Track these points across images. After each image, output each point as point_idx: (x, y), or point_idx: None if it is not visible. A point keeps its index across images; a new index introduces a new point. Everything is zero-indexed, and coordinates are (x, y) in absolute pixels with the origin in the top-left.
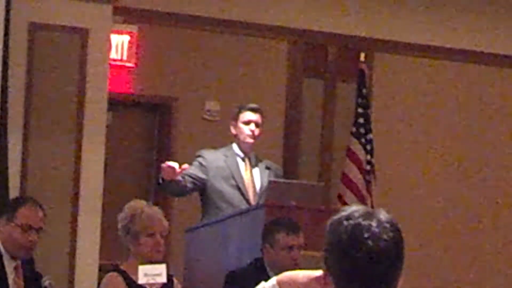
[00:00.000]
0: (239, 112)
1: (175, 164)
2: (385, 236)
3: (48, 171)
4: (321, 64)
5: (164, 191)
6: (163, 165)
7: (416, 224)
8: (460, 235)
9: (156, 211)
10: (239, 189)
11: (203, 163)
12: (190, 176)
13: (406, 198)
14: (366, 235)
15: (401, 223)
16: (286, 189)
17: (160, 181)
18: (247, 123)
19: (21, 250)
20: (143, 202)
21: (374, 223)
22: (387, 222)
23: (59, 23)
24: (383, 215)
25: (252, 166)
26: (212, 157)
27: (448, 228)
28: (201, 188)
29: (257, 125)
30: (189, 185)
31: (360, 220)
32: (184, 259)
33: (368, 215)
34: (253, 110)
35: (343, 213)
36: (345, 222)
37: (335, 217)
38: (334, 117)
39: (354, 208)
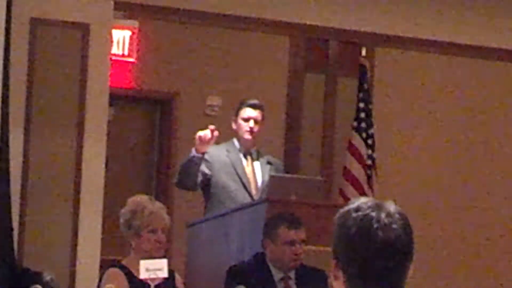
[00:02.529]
0: (240, 108)
1: (206, 131)
2: (395, 226)
3: (49, 166)
4: (322, 58)
5: (185, 175)
6: (199, 134)
7: (417, 218)
8: (462, 228)
9: (159, 207)
10: (242, 184)
11: (207, 158)
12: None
13: (408, 192)
14: (376, 226)
15: None
16: (288, 183)
17: (189, 156)
18: (247, 119)
19: None
20: (146, 197)
21: (383, 214)
22: (397, 213)
23: (60, 18)
24: (392, 206)
25: (253, 161)
26: (215, 152)
27: (450, 222)
28: (206, 182)
29: (256, 121)
30: (199, 178)
31: (369, 211)
32: (186, 254)
33: (377, 207)
34: (253, 106)
35: (351, 206)
36: (354, 214)
37: (343, 210)
38: (335, 111)
39: (363, 200)
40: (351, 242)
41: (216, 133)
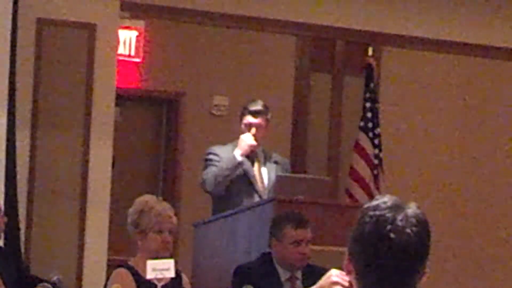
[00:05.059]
0: (243, 114)
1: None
2: (408, 230)
3: (56, 167)
4: (328, 58)
5: (227, 180)
6: (248, 143)
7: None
8: (470, 227)
9: (166, 207)
10: (251, 183)
11: (219, 160)
12: None
13: (414, 192)
14: (389, 228)
15: None
16: (294, 183)
17: (239, 158)
18: (248, 126)
19: None
20: (154, 198)
21: (399, 216)
22: (413, 216)
23: (66, 18)
24: (411, 208)
25: (260, 161)
26: (224, 154)
27: (458, 221)
28: None
29: (258, 128)
30: None
31: (385, 212)
32: (193, 253)
33: (395, 208)
34: (254, 113)
35: (373, 203)
36: (371, 213)
37: (366, 206)
38: (342, 111)
39: (385, 199)
40: (362, 240)
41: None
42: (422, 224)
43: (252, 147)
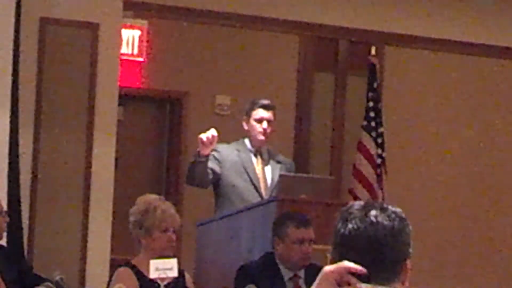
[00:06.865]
0: (252, 108)
1: (208, 134)
2: (369, 220)
3: (59, 166)
4: (331, 58)
5: (193, 175)
6: (203, 136)
7: (427, 217)
8: (471, 228)
9: (170, 206)
10: (252, 183)
11: (218, 157)
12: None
13: (417, 192)
14: (351, 217)
15: (411, 217)
16: (297, 183)
17: (195, 159)
18: (259, 120)
19: None
20: (156, 197)
21: (364, 210)
22: (383, 211)
23: (69, 18)
24: (386, 207)
25: (264, 161)
26: (226, 151)
27: (459, 221)
28: (216, 181)
29: (269, 122)
30: (210, 176)
31: (355, 205)
32: (195, 253)
33: (367, 204)
34: (265, 107)
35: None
36: (343, 208)
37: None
38: (345, 111)
39: (361, 202)
40: (334, 234)
41: (215, 135)
42: (393, 219)
43: (207, 142)
